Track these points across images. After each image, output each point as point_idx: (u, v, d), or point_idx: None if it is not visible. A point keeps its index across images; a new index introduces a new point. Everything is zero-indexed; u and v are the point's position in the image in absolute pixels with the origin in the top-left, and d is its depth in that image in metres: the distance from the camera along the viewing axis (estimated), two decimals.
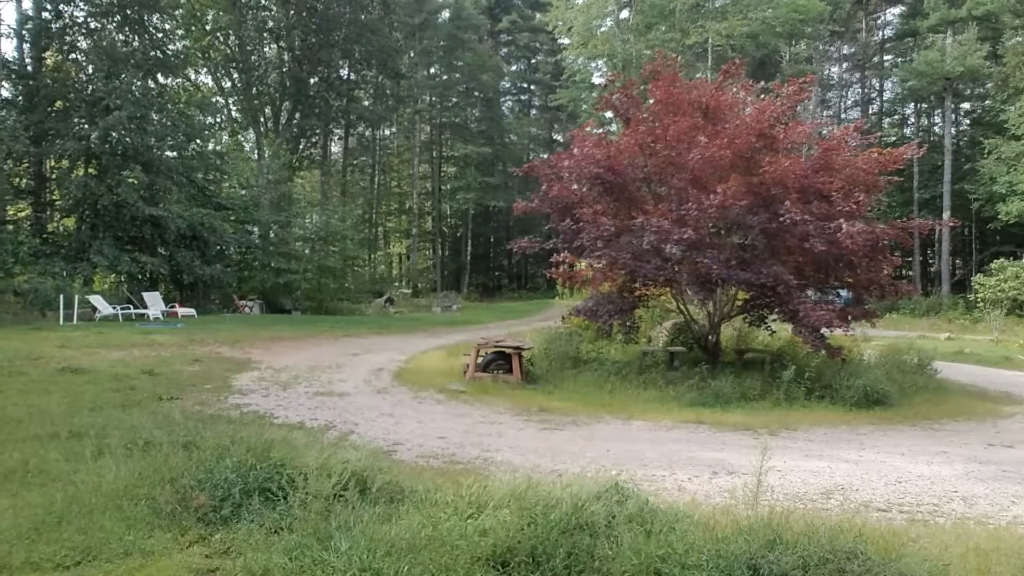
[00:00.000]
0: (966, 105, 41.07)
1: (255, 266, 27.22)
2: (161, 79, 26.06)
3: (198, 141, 25.90)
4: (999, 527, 4.74)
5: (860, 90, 48.43)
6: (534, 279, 53.17)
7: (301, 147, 37.05)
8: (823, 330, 10.38)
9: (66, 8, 23.27)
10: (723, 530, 3.85)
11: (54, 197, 24.61)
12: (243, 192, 29.05)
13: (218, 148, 28.50)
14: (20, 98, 22.63)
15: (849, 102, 49.15)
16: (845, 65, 48.07)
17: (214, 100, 32.82)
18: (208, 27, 32.24)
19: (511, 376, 11.18)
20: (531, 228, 40.11)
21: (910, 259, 37.45)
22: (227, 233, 25.46)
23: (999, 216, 30.70)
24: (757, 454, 4.19)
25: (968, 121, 41.48)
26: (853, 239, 9.76)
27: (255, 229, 28.73)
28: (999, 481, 6.17)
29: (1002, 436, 8.28)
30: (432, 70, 49.14)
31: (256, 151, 33.51)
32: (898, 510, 5.24)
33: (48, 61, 23.77)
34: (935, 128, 42.72)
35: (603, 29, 41.15)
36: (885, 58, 46.07)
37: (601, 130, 13.46)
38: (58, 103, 23.07)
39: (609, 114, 17.19)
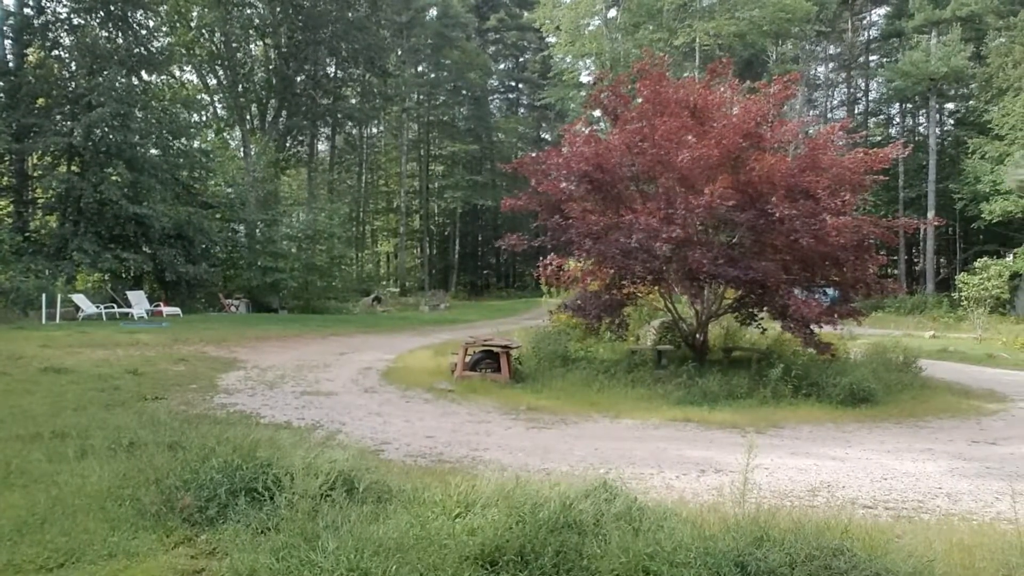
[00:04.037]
0: (950, 105, 41.51)
1: (241, 265, 27.04)
2: (145, 76, 25.81)
3: (183, 139, 25.68)
4: (983, 523, 4.78)
5: (846, 90, 48.79)
6: (522, 278, 53.21)
7: (288, 145, 36.83)
8: (812, 326, 10.47)
9: (49, 4, 23.01)
10: (711, 528, 3.86)
11: (36, 195, 24.34)
12: (229, 190, 28.84)
13: (203, 146, 28.28)
14: (2, 95, 22.30)
15: (835, 102, 49.55)
16: (831, 65, 48.46)
17: (199, 97, 32.53)
18: (193, 24, 31.91)
19: (499, 375, 11.17)
20: (519, 227, 40.10)
21: (895, 258, 37.80)
22: (213, 232, 25.27)
23: (983, 215, 31.06)
24: (744, 452, 4.20)
25: (952, 121, 41.93)
26: (840, 232, 9.83)
27: (241, 228, 28.55)
28: (983, 478, 6.23)
29: (986, 433, 8.37)
30: (419, 68, 49.01)
31: (242, 149, 33.27)
32: (884, 507, 5.28)
33: (30, 58, 23.47)
34: (920, 128, 43.12)
35: (591, 28, 41.24)
36: (871, 58, 46.45)
37: (589, 129, 13.45)
38: (40, 100, 22.78)
39: (597, 112, 17.22)
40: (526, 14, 49.44)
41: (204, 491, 4.17)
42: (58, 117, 22.46)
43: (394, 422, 8.14)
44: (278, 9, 33.09)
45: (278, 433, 5.91)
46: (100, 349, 12.78)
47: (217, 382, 10.45)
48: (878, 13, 45.69)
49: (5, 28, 22.84)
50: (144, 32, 25.42)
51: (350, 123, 43.64)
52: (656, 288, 11.97)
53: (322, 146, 47.47)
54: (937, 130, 38.13)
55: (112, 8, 23.35)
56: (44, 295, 17.80)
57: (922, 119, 42.55)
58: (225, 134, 36.09)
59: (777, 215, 9.82)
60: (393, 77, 40.93)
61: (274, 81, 34.66)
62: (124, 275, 22.37)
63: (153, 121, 23.65)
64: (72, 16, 23.48)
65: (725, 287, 11.49)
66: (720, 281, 10.98)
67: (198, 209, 25.08)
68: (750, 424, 8.45)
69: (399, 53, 43.90)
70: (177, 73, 32.04)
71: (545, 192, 11.74)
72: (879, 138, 40.12)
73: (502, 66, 59.45)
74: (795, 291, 10.95)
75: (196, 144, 27.35)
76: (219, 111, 35.90)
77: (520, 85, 60.07)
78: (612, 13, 40.40)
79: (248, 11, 33.48)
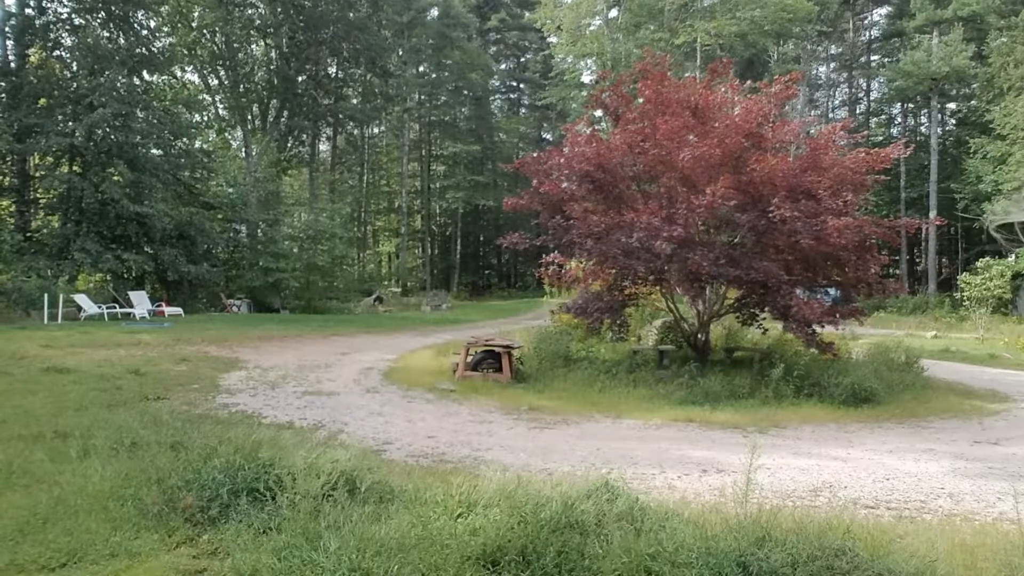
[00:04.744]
0: (952, 105, 41.46)
1: (243, 265, 27.07)
2: (146, 76, 25.84)
3: (184, 139, 25.72)
4: (985, 523, 4.77)
5: (848, 90, 48.81)
6: (524, 278, 53.24)
7: (289, 145, 36.86)
8: (814, 327, 10.46)
9: (50, 4, 23.04)
10: (713, 528, 3.85)
11: (38, 195, 24.37)
12: (231, 190, 28.87)
13: (205, 146, 28.27)
14: (3, 95, 22.35)
15: (837, 102, 49.53)
16: (833, 65, 48.41)
17: (200, 98, 32.56)
18: (194, 24, 31.95)
19: (501, 375, 11.17)
20: (521, 227, 39.92)
21: (897, 258, 37.75)
22: (214, 232, 25.29)
23: (985, 215, 30.99)
24: (746, 452, 4.20)
25: (954, 121, 41.88)
26: (841, 234, 9.83)
27: (243, 228, 28.57)
28: (985, 478, 6.22)
29: (988, 433, 8.35)
30: (421, 68, 48.99)
31: (244, 149, 33.30)
32: (886, 507, 5.28)
33: (32, 58, 23.50)
34: (921, 128, 43.10)
35: (592, 28, 41.23)
36: (872, 58, 46.45)
37: (591, 128, 13.45)
38: (42, 100, 22.81)
39: (599, 112, 17.25)
40: (527, 14, 49.42)
41: (206, 491, 4.17)
42: (60, 117, 22.48)
43: (396, 422, 8.14)
44: (279, 9, 33.11)
45: (280, 433, 5.92)
46: (102, 349, 12.80)
47: (219, 382, 10.46)
48: (879, 13, 45.74)
49: (6, 29, 22.86)
50: (145, 32, 25.46)
51: (351, 123, 43.63)
52: (658, 288, 11.97)
53: (323, 146, 47.49)
54: (939, 130, 38.09)
55: (113, 8, 23.37)
56: (46, 295, 17.82)
57: (924, 119, 42.54)
58: (227, 134, 36.16)
59: (777, 218, 9.81)
60: (394, 77, 40.92)
61: (275, 81, 34.68)
62: (126, 275, 22.39)
63: (154, 121, 23.66)
64: (73, 16, 23.50)
65: (727, 287, 11.48)
66: (721, 281, 10.97)
67: (199, 209, 25.10)
68: (752, 424, 8.44)
69: (400, 53, 43.90)
70: (178, 73, 32.06)
71: (547, 192, 11.73)
72: (880, 138, 40.07)
73: (503, 66, 59.46)
74: (797, 291, 10.93)
75: (198, 144, 27.39)
76: (220, 111, 35.91)
77: (521, 85, 60.10)
78: (613, 13, 40.39)
79: (249, 11, 33.53)
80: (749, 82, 13.21)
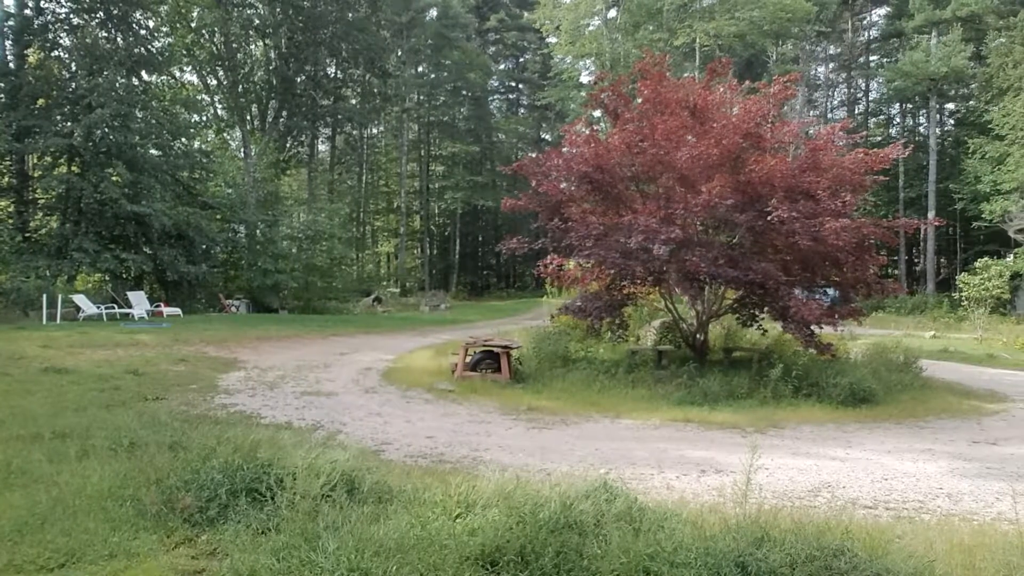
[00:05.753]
0: (951, 105, 41.48)
1: (242, 265, 27.04)
2: (145, 76, 25.82)
3: (183, 139, 25.69)
4: (983, 523, 4.78)
5: (846, 90, 48.82)
6: (523, 278, 53.27)
7: (288, 145, 36.83)
8: (812, 327, 10.46)
9: (48, 4, 23.03)
10: (711, 528, 3.86)
11: (37, 195, 24.34)
12: (229, 191, 28.84)
13: (204, 146, 28.24)
14: (2, 95, 22.31)
15: (835, 102, 49.56)
16: (831, 65, 48.43)
17: (199, 98, 32.52)
18: (193, 24, 31.92)
19: (500, 375, 11.17)
20: (519, 227, 40.18)
21: (896, 258, 37.81)
22: (213, 232, 25.27)
23: (983, 215, 31.03)
24: (745, 452, 4.21)
25: (953, 121, 41.91)
26: (839, 235, 9.83)
27: (241, 228, 28.53)
28: (983, 478, 6.23)
29: (986, 433, 8.37)
30: (419, 68, 48.97)
31: (242, 149, 33.27)
32: (884, 507, 5.28)
33: (30, 58, 23.48)
34: (920, 128, 43.12)
35: (591, 28, 41.25)
36: (871, 58, 46.45)
37: (590, 129, 13.45)
38: (41, 100, 22.77)
39: (597, 112, 17.29)
40: (526, 14, 49.40)
41: (205, 491, 4.17)
42: (58, 118, 22.43)
43: (395, 422, 8.14)
44: (278, 10, 33.09)
45: (279, 433, 5.92)
46: (101, 349, 12.78)
47: (217, 382, 10.46)
48: (878, 13, 45.75)
49: (5, 29, 22.83)
50: (144, 32, 25.41)
51: (350, 124, 43.63)
52: (656, 289, 11.97)
53: (322, 146, 47.45)
54: (937, 130, 38.13)
55: (112, 9, 23.34)
56: (45, 295, 17.79)
57: (922, 119, 42.56)
58: (225, 135, 36.10)
59: (775, 219, 9.81)
60: (393, 77, 40.90)
61: (274, 82, 34.66)
62: (124, 275, 22.36)
63: (153, 122, 23.63)
64: (72, 16, 23.46)
65: (725, 287, 11.49)
66: (720, 282, 10.97)
67: (198, 210, 25.07)
68: (751, 424, 8.44)
69: (399, 53, 43.89)
70: (177, 74, 32.03)
71: (545, 192, 11.73)
72: (879, 138, 40.13)
73: (502, 66, 59.40)
74: (796, 291, 10.93)
75: (196, 145, 27.34)
76: (219, 112, 35.87)
77: (520, 85, 60.05)
78: (612, 13, 40.40)
79: (248, 12, 33.49)
80: (748, 82, 13.21)
